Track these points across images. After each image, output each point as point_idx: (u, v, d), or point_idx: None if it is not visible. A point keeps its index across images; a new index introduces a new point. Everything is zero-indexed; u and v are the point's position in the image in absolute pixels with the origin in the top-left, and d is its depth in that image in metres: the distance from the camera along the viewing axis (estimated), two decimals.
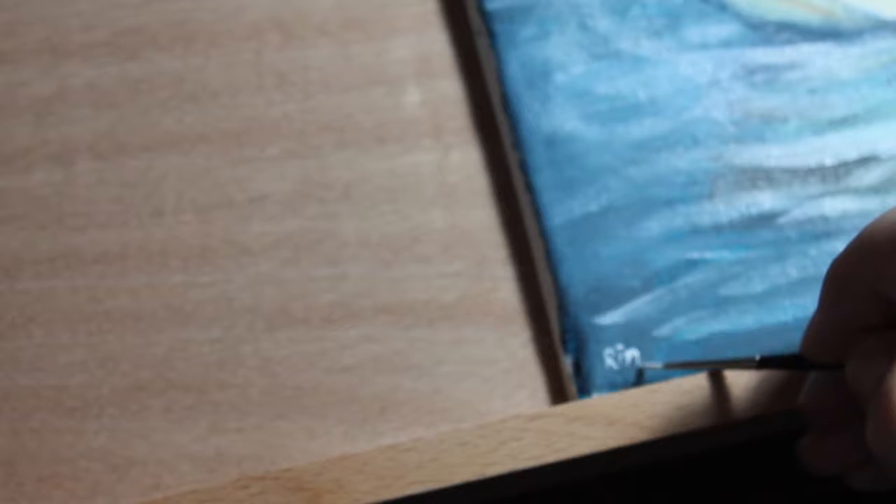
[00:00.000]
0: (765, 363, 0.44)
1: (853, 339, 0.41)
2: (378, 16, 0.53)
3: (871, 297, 0.40)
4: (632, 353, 0.48)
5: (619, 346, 0.48)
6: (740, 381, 0.46)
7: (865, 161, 0.51)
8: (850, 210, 0.50)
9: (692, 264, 0.49)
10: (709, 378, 0.46)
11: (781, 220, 0.50)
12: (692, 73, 0.52)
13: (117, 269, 0.50)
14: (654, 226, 0.50)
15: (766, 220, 0.50)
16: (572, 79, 0.52)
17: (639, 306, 0.49)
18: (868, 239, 0.40)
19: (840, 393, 0.43)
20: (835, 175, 0.51)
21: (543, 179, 0.50)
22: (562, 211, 0.50)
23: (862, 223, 0.50)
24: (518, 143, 0.51)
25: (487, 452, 0.45)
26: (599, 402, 0.46)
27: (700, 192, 0.50)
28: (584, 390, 0.48)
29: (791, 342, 0.47)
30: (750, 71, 0.52)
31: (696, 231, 0.50)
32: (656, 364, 0.47)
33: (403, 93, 0.52)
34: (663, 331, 0.48)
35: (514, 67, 0.52)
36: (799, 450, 0.45)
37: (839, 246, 0.49)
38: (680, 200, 0.50)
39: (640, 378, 0.48)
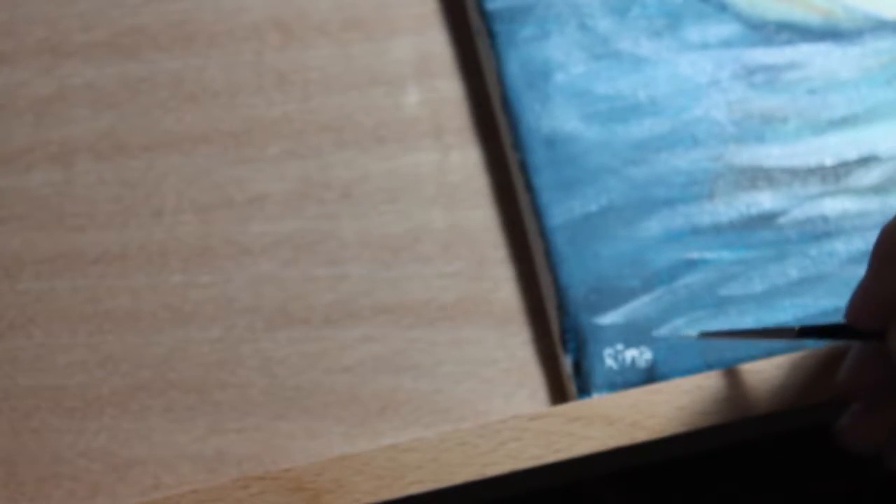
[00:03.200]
0: (805, 332, 0.44)
1: None
2: (378, 16, 0.53)
3: None
4: (631, 353, 0.48)
5: (619, 346, 0.48)
6: (741, 382, 0.46)
7: (865, 161, 0.51)
8: (850, 210, 0.50)
9: (692, 264, 0.49)
10: (709, 378, 0.46)
11: (781, 220, 0.50)
12: (692, 73, 0.52)
13: (117, 269, 0.50)
14: (654, 226, 0.50)
15: (766, 220, 0.50)
16: (572, 79, 0.52)
17: (639, 306, 0.49)
18: None
19: (880, 368, 0.43)
20: (835, 175, 0.51)
21: (543, 179, 0.50)
22: (562, 211, 0.50)
23: (862, 223, 0.50)
24: (518, 143, 0.51)
25: (487, 452, 0.45)
26: (599, 402, 0.46)
27: (700, 192, 0.50)
28: (584, 390, 0.48)
29: (791, 342, 0.47)
30: (750, 71, 0.52)
31: (696, 231, 0.50)
32: (691, 334, 0.47)
33: (403, 93, 0.52)
34: (663, 331, 0.48)
35: (514, 67, 0.52)
36: (838, 429, 0.45)
37: (839, 246, 0.49)
38: (680, 200, 0.50)
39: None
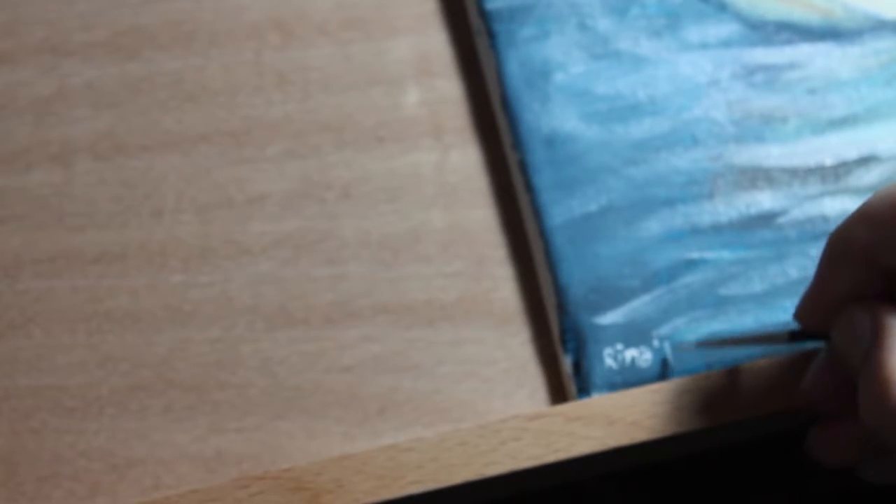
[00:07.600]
0: (795, 336, 0.44)
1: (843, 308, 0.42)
2: (378, 16, 0.53)
3: (867, 265, 0.41)
4: (631, 353, 0.48)
5: (619, 346, 0.48)
6: (741, 382, 0.46)
7: (865, 161, 0.51)
8: (850, 210, 0.50)
9: (692, 264, 0.49)
10: (709, 379, 0.46)
11: (781, 220, 0.50)
12: (692, 73, 0.52)
13: (117, 269, 0.50)
14: (654, 226, 0.50)
15: (765, 219, 0.50)
16: (572, 79, 0.52)
17: (638, 306, 0.49)
18: (869, 207, 0.41)
19: (838, 373, 0.43)
20: (834, 175, 0.51)
21: (543, 179, 0.50)
22: (561, 211, 0.50)
23: None
24: (518, 143, 0.51)
25: (487, 452, 0.45)
26: (599, 401, 0.46)
27: (700, 192, 0.50)
28: (583, 390, 0.48)
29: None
30: (749, 71, 0.52)
31: (695, 231, 0.50)
32: (689, 343, 0.47)
33: (403, 93, 0.52)
34: (663, 331, 0.48)
35: (514, 67, 0.52)
36: (807, 441, 0.45)
37: None
38: (680, 200, 0.50)
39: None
